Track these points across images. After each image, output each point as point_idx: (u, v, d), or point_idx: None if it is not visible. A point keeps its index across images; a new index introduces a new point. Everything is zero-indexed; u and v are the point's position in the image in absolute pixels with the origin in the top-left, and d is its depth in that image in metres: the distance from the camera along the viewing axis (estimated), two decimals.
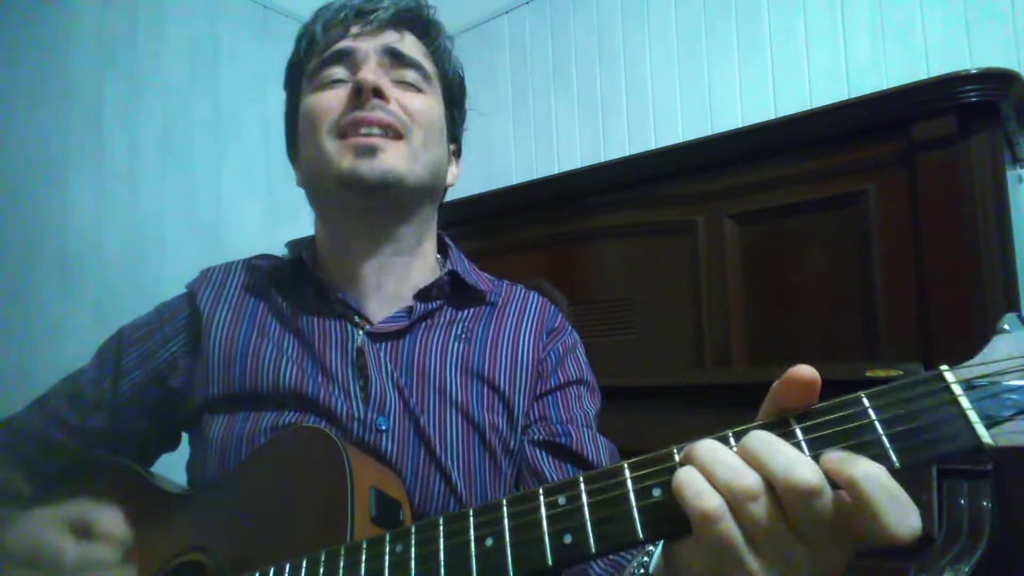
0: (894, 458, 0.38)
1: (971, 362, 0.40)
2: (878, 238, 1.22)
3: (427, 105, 0.75)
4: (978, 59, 1.53)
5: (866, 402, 0.39)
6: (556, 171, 2.05)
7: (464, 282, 0.78)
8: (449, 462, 0.69)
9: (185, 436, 0.81)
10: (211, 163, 2.04)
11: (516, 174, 2.27)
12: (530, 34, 2.31)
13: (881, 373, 1.04)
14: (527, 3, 2.31)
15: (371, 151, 0.69)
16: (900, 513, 0.36)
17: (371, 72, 0.71)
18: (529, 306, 0.82)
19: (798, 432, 0.40)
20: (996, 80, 1.14)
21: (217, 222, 2.03)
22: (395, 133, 0.71)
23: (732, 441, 0.41)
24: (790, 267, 1.34)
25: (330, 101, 0.72)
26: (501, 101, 2.33)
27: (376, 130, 0.70)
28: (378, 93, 0.70)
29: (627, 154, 1.97)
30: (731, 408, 1.30)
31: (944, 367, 0.39)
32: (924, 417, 0.38)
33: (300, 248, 0.79)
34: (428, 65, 0.77)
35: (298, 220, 2.19)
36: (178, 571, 0.65)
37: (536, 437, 0.74)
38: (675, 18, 2.02)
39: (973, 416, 0.37)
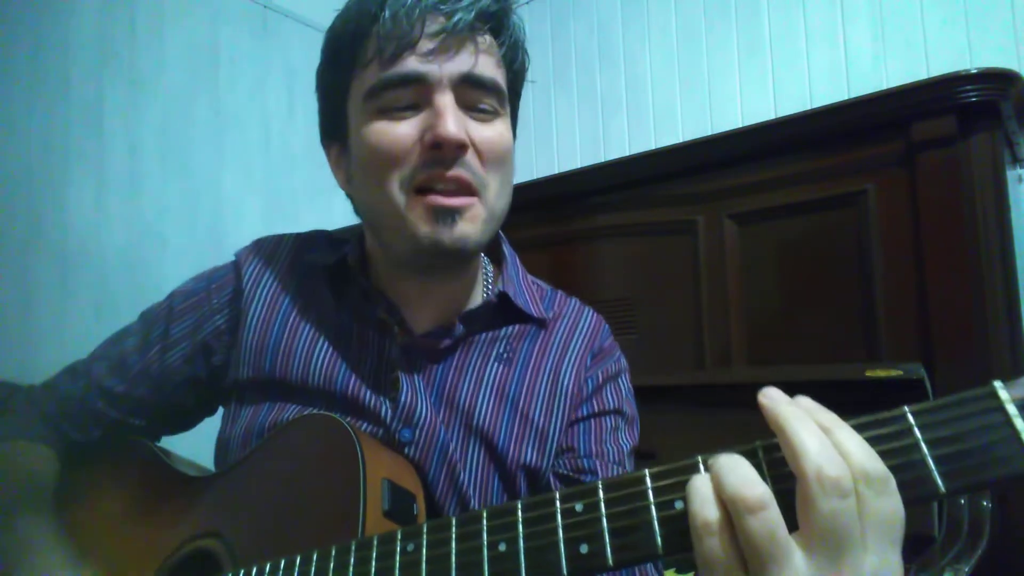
0: (939, 482, 0.36)
1: None
2: (878, 238, 1.22)
3: (500, 135, 0.67)
4: (978, 59, 1.53)
5: (911, 419, 0.37)
6: (556, 171, 2.05)
7: (513, 303, 0.73)
8: (467, 487, 0.67)
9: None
10: (211, 163, 2.04)
11: (516, 174, 2.26)
12: (530, 34, 2.29)
13: (881, 373, 1.03)
14: (527, 3, 2.31)
15: (450, 217, 0.63)
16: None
17: (451, 122, 0.62)
18: (580, 326, 0.77)
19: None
20: (996, 80, 1.14)
21: (217, 222, 2.03)
22: (471, 189, 0.64)
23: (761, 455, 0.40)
24: (790, 267, 1.34)
25: (400, 142, 0.63)
26: None
27: (453, 186, 0.63)
28: (462, 147, 0.63)
29: (627, 154, 1.98)
30: (731, 408, 1.30)
31: (998, 383, 0.36)
32: (974, 439, 0.36)
33: (348, 246, 0.75)
34: (502, 77, 0.69)
35: (298, 220, 2.21)
36: (190, 556, 0.65)
37: (561, 470, 0.71)
38: (675, 18, 2.02)
39: None
